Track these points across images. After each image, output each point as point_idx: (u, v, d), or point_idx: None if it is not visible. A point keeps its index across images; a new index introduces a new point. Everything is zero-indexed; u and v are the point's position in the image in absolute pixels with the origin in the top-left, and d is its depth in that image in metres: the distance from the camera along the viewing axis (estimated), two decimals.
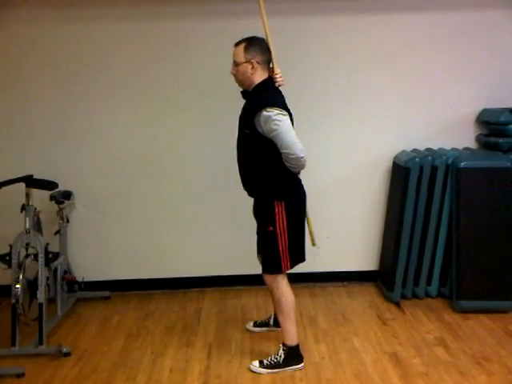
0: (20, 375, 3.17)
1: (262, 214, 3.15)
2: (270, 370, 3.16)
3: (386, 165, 4.31)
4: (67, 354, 3.41)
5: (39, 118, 4.16)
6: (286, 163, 2.97)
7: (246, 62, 3.01)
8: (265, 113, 2.90)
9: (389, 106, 4.24)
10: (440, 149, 4.20)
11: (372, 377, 3.10)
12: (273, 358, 3.19)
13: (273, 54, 3.11)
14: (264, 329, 3.68)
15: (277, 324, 3.60)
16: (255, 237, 3.36)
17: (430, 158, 3.95)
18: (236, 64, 3.05)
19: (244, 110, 3.12)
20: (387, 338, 3.56)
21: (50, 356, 3.40)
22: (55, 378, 3.17)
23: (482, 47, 4.19)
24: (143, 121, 4.18)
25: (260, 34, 3.12)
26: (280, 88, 3.16)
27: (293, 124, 3.02)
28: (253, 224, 3.38)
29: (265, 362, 3.19)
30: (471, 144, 4.30)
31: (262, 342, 3.55)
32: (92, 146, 4.22)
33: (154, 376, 3.18)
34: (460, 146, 4.26)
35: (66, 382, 3.14)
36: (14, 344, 3.40)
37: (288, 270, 3.15)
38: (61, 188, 3.97)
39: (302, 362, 3.21)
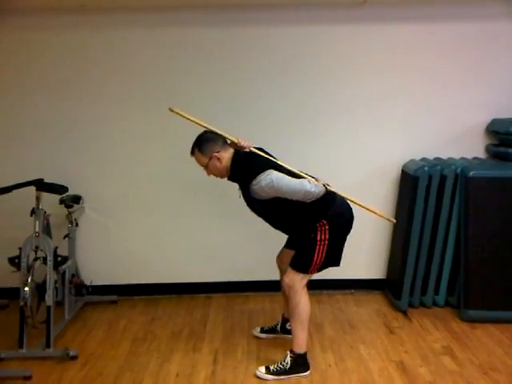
0: (27, 377, 3.18)
1: (304, 235, 3.16)
2: (276, 377, 3.15)
3: (394, 173, 4.31)
4: (74, 358, 3.42)
5: (49, 123, 4.19)
6: (308, 201, 3.01)
7: (210, 159, 3.09)
8: (254, 187, 2.96)
9: (398, 115, 4.24)
10: (449, 158, 4.20)
11: None
12: (279, 365, 3.19)
13: (218, 131, 3.15)
14: (271, 335, 3.68)
15: (284, 330, 3.61)
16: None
17: (438, 167, 3.94)
18: (206, 167, 3.14)
19: (240, 189, 3.15)
20: (394, 347, 3.55)
21: (57, 359, 3.41)
22: (62, 381, 3.18)
23: (491, 57, 4.18)
24: (153, 126, 4.20)
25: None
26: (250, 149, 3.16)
27: (280, 166, 3.05)
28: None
29: (271, 368, 3.19)
30: (480, 154, 4.29)
31: (268, 348, 3.54)
32: (101, 151, 4.25)
33: (160, 381, 3.19)
34: (469, 156, 4.25)
35: None
36: (21, 346, 3.42)
37: (313, 273, 3.16)
38: (70, 192, 4.00)
39: (308, 369, 3.21)
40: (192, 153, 3.16)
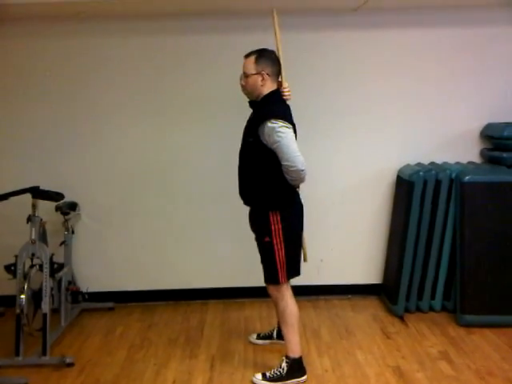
0: None
1: (257, 224, 3.17)
2: (272, 383, 3.15)
3: (390, 178, 4.32)
4: (70, 365, 3.41)
5: (45, 130, 4.20)
6: (286, 175, 2.98)
7: (257, 73, 3.05)
8: (269, 124, 2.92)
9: (393, 119, 4.25)
10: (444, 163, 4.21)
11: None
12: (276, 371, 3.18)
13: (282, 67, 3.16)
14: (267, 341, 3.68)
15: (280, 337, 3.59)
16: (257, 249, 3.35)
17: (433, 171, 3.95)
18: (246, 75, 3.09)
19: (250, 119, 3.16)
20: (390, 352, 3.55)
21: (54, 366, 3.41)
22: None
23: (486, 62, 4.20)
24: (148, 133, 4.21)
25: (272, 45, 3.15)
26: (288, 102, 3.19)
27: (296, 137, 3.05)
28: None
29: (267, 374, 3.19)
30: (475, 158, 4.31)
31: (265, 354, 3.54)
32: (98, 158, 4.25)
33: None
34: (464, 161, 4.26)
35: None
36: (17, 354, 3.41)
37: (285, 281, 3.15)
38: (66, 199, 4.01)
39: (304, 374, 3.20)
40: (248, 55, 3.10)
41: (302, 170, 2.93)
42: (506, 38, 4.17)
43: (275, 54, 3.15)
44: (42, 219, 3.71)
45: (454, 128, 4.28)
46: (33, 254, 3.55)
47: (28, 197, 3.63)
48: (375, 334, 3.84)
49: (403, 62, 4.19)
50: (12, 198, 3.58)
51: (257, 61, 3.06)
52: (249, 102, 3.19)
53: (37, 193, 3.68)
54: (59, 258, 3.97)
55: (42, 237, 3.77)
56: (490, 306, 3.84)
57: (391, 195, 4.34)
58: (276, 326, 3.68)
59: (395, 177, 4.28)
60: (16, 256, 3.51)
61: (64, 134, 4.21)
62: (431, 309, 4.15)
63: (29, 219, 3.61)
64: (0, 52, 4.10)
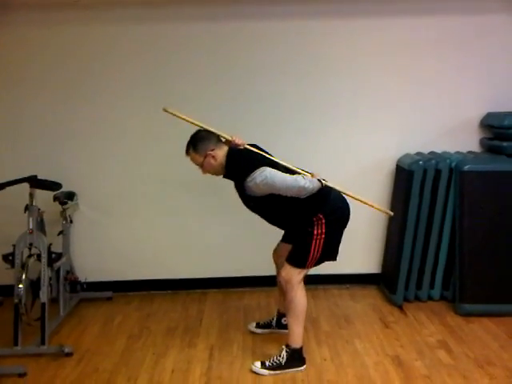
0: (22, 375, 3.18)
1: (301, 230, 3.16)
2: (271, 372, 3.16)
3: (389, 168, 4.31)
4: (69, 354, 3.41)
5: (43, 119, 4.17)
6: (302, 197, 3.01)
7: (205, 158, 3.10)
8: (249, 184, 2.96)
9: (392, 109, 4.23)
10: (444, 152, 4.20)
11: (374, 379, 3.10)
12: (275, 360, 3.19)
13: (213, 129, 3.16)
14: (266, 330, 3.68)
15: (279, 325, 3.61)
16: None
17: (433, 161, 3.94)
18: (201, 165, 3.15)
19: (235, 187, 3.16)
20: (389, 341, 3.55)
21: (52, 356, 3.41)
22: (57, 378, 3.18)
23: (486, 51, 4.18)
24: (147, 122, 4.18)
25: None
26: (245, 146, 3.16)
27: (275, 163, 3.07)
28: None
29: (267, 363, 3.19)
30: (475, 148, 4.29)
31: (264, 343, 3.54)
32: (95, 147, 4.23)
33: (156, 377, 3.18)
34: (464, 150, 4.25)
35: (67, 382, 3.14)
36: (16, 344, 3.40)
37: (310, 268, 3.16)
38: (64, 189, 3.98)
39: (304, 364, 3.21)
40: (187, 152, 3.16)
41: (304, 183, 2.96)
42: (506, 27, 4.15)
43: (202, 131, 3.17)
44: (39, 209, 3.69)
45: (453, 117, 4.26)
46: (31, 244, 3.53)
47: (25, 186, 3.61)
48: (374, 323, 3.84)
49: (403, 51, 4.16)
50: (9, 188, 3.57)
51: (196, 150, 3.12)
52: (223, 177, 3.21)
53: (34, 182, 3.66)
54: (57, 248, 3.95)
55: (40, 226, 3.75)
56: (488, 295, 3.85)
57: (391, 184, 4.33)
58: (275, 314, 3.68)
59: (395, 166, 4.27)
60: (14, 246, 3.50)
61: (62, 123, 4.18)
62: (430, 298, 4.15)
63: (26, 209, 3.60)
64: None
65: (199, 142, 3.12)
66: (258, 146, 3.21)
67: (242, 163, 3.06)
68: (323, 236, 3.07)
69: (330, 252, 3.19)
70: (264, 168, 2.97)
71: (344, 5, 4.07)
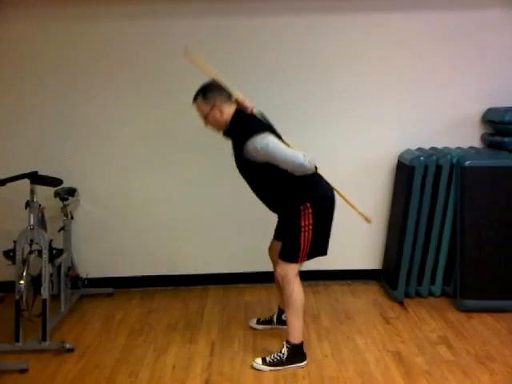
0: (23, 371, 3.18)
1: (288, 219, 3.15)
2: (272, 368, 3.15)
3: (390, 163, 4.30)
4: (70, 350, 3.41)
5: (44, 115, 4.17)
6: (296, 174, 2.98)
7: (211, 109, 3.05)
8: (249, 146, 2.92)
9: (393, 104, 4.23)
10: (445, 148, 4.19)
11: (375, 375, 3.10)
12: (276, 356, 3.19)
13: (228, 85, 3.11)
14: (267, 326, 3.68)
15: (280, 322, 3.61)
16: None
17: (434, 156, 3.94)
18: (205, 116, 3.09)
19: (233, 148, 3.13)
20: (390, 337, 3.55)
21: (53, 352, 3.41)
22: (58, 374, 3.18)
23: (487, 46, 4.17)
24: (148, 118, 4.18)
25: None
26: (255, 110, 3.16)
27: (279, 135, 3.06)
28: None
29: (267, 359, 3.19)
30: (476, 143, 4.29)
31: (264, 339, 3.54)
32: (96, 143, 4.23)
33: (157, 373, 3.18)
34: (465, 145, 4.24)
35: (68, 378, 3.14)
36: (17, 340, 3.41)
37: (303, 261, 3.15)
38: (65, 185, 3.98)
39: (304, 360, 3.21)
40: (195, 99, 3.10)
41: (303, 161, 2.92)
42: (507, 21, 4.14)
43: (215, 83, 3.11)
44: (40, 205, 3.68)
45: (454, 113, 4.26)
46: (31, 240, 3.52)
47: (26, 182, 3.60)
48: (375, 319, 3.84)
49: (403, 46, 4.15)
50: (10, 184, 3.56)
51: (204, 99, 3.06)
52: (223, 135, 3.18)
53: (35, 178, 3.65)
54: (58, 244, 3.96)
55: (41, 222, 3.76)
56: (489, 291, 3.84)
57: (392, 180, 4.32)
58: (276, 310, 3.69)
59: (396, 162, 4.27)
60: (15, 242, 3.49)
61: (62, 118, 4.18)
62: (431, 294, 4.16)
63: (27, 205, 3.59)
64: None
65: (210, 91, 3.07)
66: (265, 116, 3.18)
67: (247, 124, 3.04)
68: (311, 227, 3.05)
69: (320, 245, 3.17)
70: (268, 134, 2.95)
71: (344, 1, 4.05)
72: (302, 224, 3.05)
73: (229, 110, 3.08)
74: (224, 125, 3.10)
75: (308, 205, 3.04)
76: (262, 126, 3.05)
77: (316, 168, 3.05)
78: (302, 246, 3.08)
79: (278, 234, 3.38)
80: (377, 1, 4.07)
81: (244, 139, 2.94)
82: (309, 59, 4.12)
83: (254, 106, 3.14)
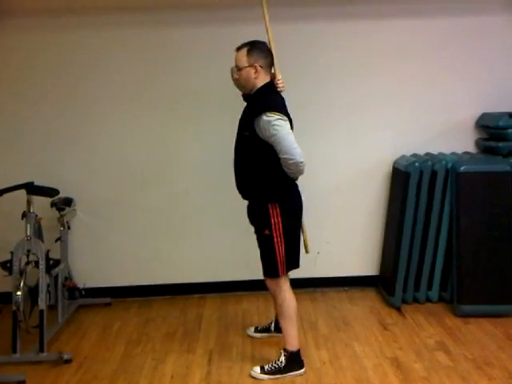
0: (21, 382, 3.17)
1: (257, 217, 3.15)
2: (271, 376, 3.15)
3: (385, 169, 4.32)
4: (68, 361, 3.41)
5: (40, 125, 4.17)
6: (285, 169, 2.97)
7: (249, 66, 3.01)
8: (265, 117, 2.89)
9: (388, 111, 4.24)
10: (440, 153, 4.21)
11: (373, 382, 3.10)
12: (274, 364, 3.19)
13: (275, 58, 3.12)
14: (265, 334, 3.68)
15: (278, 329, 3.60)
16: (255, 242, 3.34)
17: (429, 162, 3.95)
18: (239, 68, 3.04)
19: (245, 112, 3.13)
20: (388, 343, 3.56)
21: (51, 363, 3.40)
22: None
23: (480, 52, 4.20)
24: (144, 127, 4.19)
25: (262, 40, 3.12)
26: (282, 93, 3.17)
27: (292, 129, 3.03)
28: (253, 229, 3.37)
29: (266, 367, 3.19)
30: (471, 148, 4.30)
31: (263, 347, 3.54)
32: (93, 153, 4.23)
33: (155, 382, 3.18)
34: (459, 151, 4.26)
35: None
36: (14, 351, 3.40)
37: (284, 274, 3.14)
38: (62, 195, 3.98)
39: (303, 367, 3.21)
40: (239, 48, 3.05)
41: (301, 162, 2.92)
42: (500, 26, 4.17)
43: (267, 46, 3.11)
44: (37, 215, 3.69)
45: (449, 118, 4.28)
46: (28, 251, 3.53)
47: (23, 193, 3.61)
48: (372, 325, 3.84)
49: (398, 52, 4.17)
50: (7, 195, 3.56)
51: (249, 53, 3.01)
52: (243, 96, 3.16)
53: (31, 189, 3.66)
54: (55, 254, 3.95)
55: (38, 233, 3.75)
56: (486, 296, 3.85)
57: (387, 186, 4.33)
58: (273, 318, 3.69)
59: (391, 168, 4.28)
60: (11, 253, 3.49)
61: (59, 129, 4.18)
62: (428, 299, 4.16)
63: (24, 215, 3.59)
64: None
65: (258, 49, 3.03)
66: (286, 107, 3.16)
67: (273, 99, 3.03)
68: (282, 238, 3.05)
69: (292, 255, 3.15)
70: (286, 119, 2.95)
71: (342, 7, 4.08)
72: (274, 235, 3.04)
73: (263, 77, 3.05)
74: (250, 87, 3.06)
75: (277, 209, 3.03)
76: (285, 110, 3.04)
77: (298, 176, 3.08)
78: (277, 259, 3.08)
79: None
80: (375, 8, 4.09)
81: (264, 109, 2.91)
82: (305, 66, 4.13)
83: (284, 88, 3.16)
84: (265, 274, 3.19)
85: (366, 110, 4.23)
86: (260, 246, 3.19)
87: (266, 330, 3.70)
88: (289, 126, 2.96)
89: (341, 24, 4.12)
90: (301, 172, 3.00)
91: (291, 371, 3.17)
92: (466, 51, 4.20)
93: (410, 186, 3.93)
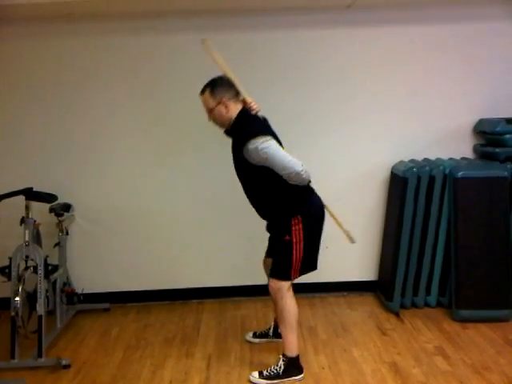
0: None
1: (279, 229, 3.14)
2: (269, 381, 3.15)
3: (383, 175, 4.33)
4: (67, 367, 3.40)
5: (39, 130, 4.18)
6: (291, 182, 2.99)
7: (218, 104, 3.04)
8: (250, 146, 2.92)
9: (386, 116, 4.26)
10: (437, 159, 4.22)
11: None
12: (272, 369, 3.19)
13: (238, 84, 3.12)
14: (263, 340, 3.68)
15: (276, 335, 3.60)
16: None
17: (427, 168, 3.97)
18: (210, 110, 3.08)
19: (232, 147, 3.13)
20: (387, 348, 3.56)
21: (50, 368, 3.40)
22: None
23: (478, 58, 4.22)
24: (143, 134, 4.19)
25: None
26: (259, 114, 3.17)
27: (281, 143, 3.06)
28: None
29: (264, 373, 3.19)
30: (468, 154, 4.32)
31: (261, 352, 3.54)
32: (91, 159, 4.24)
33: None
34: (457, 156, 4.28)
35: None
36: (13, 357, 3.40)
37: (295, 278, 3.15)
38: (60, 200, 3.99)
39: (301, 373, 3.21)
40: (202, 92, 3.08)
41: (301, 171, 2.94)
42: (498, 33, 4.19)
43: (226, 78, 3.12)
44: (35, 221, 3.69)
45: (446, 124, 4.29)
46: (27, 256, 3.53)
47: (21, 199, 3.61)
48: (371, 330, 3.84)
49: (396, 58, 4.19)
50: (5, 200, 3.56)
51: (212, 93, 3.05)
52: (224, 132, 3.18)
53: (30, 194, 3.66)
54: (54, 260, 3.96)
55: (36, 239, 3.76)
56: (484, 301, 3.85)
57: (385, 192, 4.34)
58: (272, 324, 3.69)
59: (389, 173, 4.29)
60: (10, 258, 3.49)
61: (57, 135, 4.19)
62: (426, 304, 4.17)
63: (22, 221, 3.59)
64: None
65: (219, 86, 3.06)
66: (268, 121, 3.19)
67: (251, 125, 3.03)
68: (302, 244, 3.06)
69: (311, 260, 3.17)
70: (270, 138, 2.95)
71: (338, 14, 4.10)
72: (294, 241, 3.05)
73: (235, 108, 3.07)
74: (227, 122, 3.09)
75: (299, 218, 3.05)
76: (265, 129, 3.06)
77: (309, 181, 3.07)
78: (293, 264, 3.08)
79: (269, 250, 3.39)
80: (371, 14, 4.11)
81: (246, 139, 2.93)
82: (302, 73, 4.15)
83: (260, 109, 3.15)
84: (273, 274, 3.16)
85: (365, 116, 4.25)
86: (277, 249, 3.18)
87: (265, 335, 3.69)
88: (274, 142, 2.97)
89: (340, 31, 4.15)
90: (306, 179, 3.02)
91: (289, 376, 3.17)
92: (463, 57, 4.22)
93: (408, 191, 3.94)
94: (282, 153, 2.94)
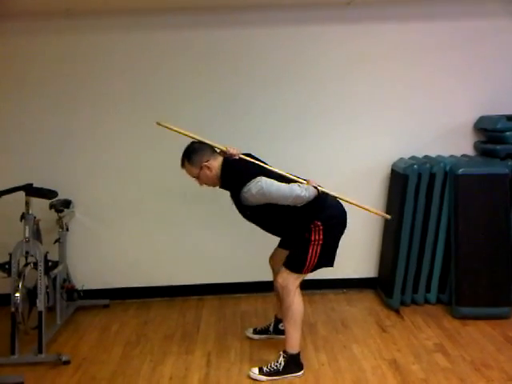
0: (19, 383, 3.16)
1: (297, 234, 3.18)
2: (269, 378, 3.16)
3: (384, 172, 4.32)
4: (66, 363, 3.40)
5: (39, 126, 4.17)
6: (299, 205, 3.02)
7: (200, 169, 3.10)
8: (245, 195, 2.97)
9: (387, 113, 4.25)
10: (438, 156, 4.22)
11: None
12: (272, 365, 3.19)
13: (207, 141, 3.16)
14: (263, 336, 3.68)
15: (277, 331, 3.61)
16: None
17: (428, 165, 3.96)
18: (196, 177, 3.16)
19: (231, 198, 3.16)
20: (386, 345, 3.56)
21: (50, 364, 3.40)
22: None
23: (478, 55, 4.21)
24: (144, 131, 4.17)
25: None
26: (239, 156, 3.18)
27: (271, 170, 3.10)
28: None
29: (264, 369, 3.19)
30: (469, 151, 4.32)
31: (261, 349, 3.54)
32: (91, 155, 4.23)
33: None
34: (458, 153, 4.27)
35: None
36: (13, 352, 3.40)
37: (308, 273, 3.16)
38: (60, 196, 3.99)
39: (301, 369, 3.21)
40: (182, 165, 3.17)
41: (301, 192, 2.97)
42: (498, 30, 4.19)
43: (196, 143, 3.17)
44: (35, 217, 3.69)
45: (447, 121, 4.29)
46: (27, 252, 3.53)
47: (21, 195, 3.61)
48: (371, 327, 3.85)
49: (396, 56, 4.18)
50: (5, 197, 3.57)
51: (190, 162, 3.12)
52: (220, 187, 3.22)
53: (30, 190, 3.66)
54: (54, 256, 3.95)
55: (36, 235, 3.75)
56: (484, 298, 3.85)
57: (385, 189, 4.34)
58: (273, 320, 3.69)
59: (389, 170, 4.29)
60: (10, 254, 3.49)
61: (57, 131, 4.19)
62: (426, 301, 4.17)
63: (22, 217, 3.59)
64: None
65: (193, 153, 3.12)
66: (253, 155, 3.23)
67: (237, 173, 3.08)
68: (321, 242, 3.08)
69: (327, 259, 3.19)
70: (260, 178, 2.98)
71: (340, 10, 4.09)
72: (312, 238, 3.08)
73: (216, 164, 3.12)
74: (217, 179, 3.15)
75: (318, 223, 3.07)
76: (253, 169, 3.09)
77: (318, 190, 3.08)
78: (308, 259, 3.09)
79: (286, 242, 3.39)
80: (371, 10, 4.10)
81: (239, 188, 2.99)
82: (303, 70, 4.15)
83: (239, 150, 3.18)
84: (286, 264, 3.16)
85: (365, 113, 4.24)
86: (295, 240, 3.18)
87: (265, 331, 3.69)
88: (265, 179, 2.98)
89: (340, 27, 4.13)
90: (311, 196, 3.03)
91: (290, 373, 3.18)
92: (464, 54, 4.21)
93: (409, 188, 3.94)
94: (275, 186, 2.97)
